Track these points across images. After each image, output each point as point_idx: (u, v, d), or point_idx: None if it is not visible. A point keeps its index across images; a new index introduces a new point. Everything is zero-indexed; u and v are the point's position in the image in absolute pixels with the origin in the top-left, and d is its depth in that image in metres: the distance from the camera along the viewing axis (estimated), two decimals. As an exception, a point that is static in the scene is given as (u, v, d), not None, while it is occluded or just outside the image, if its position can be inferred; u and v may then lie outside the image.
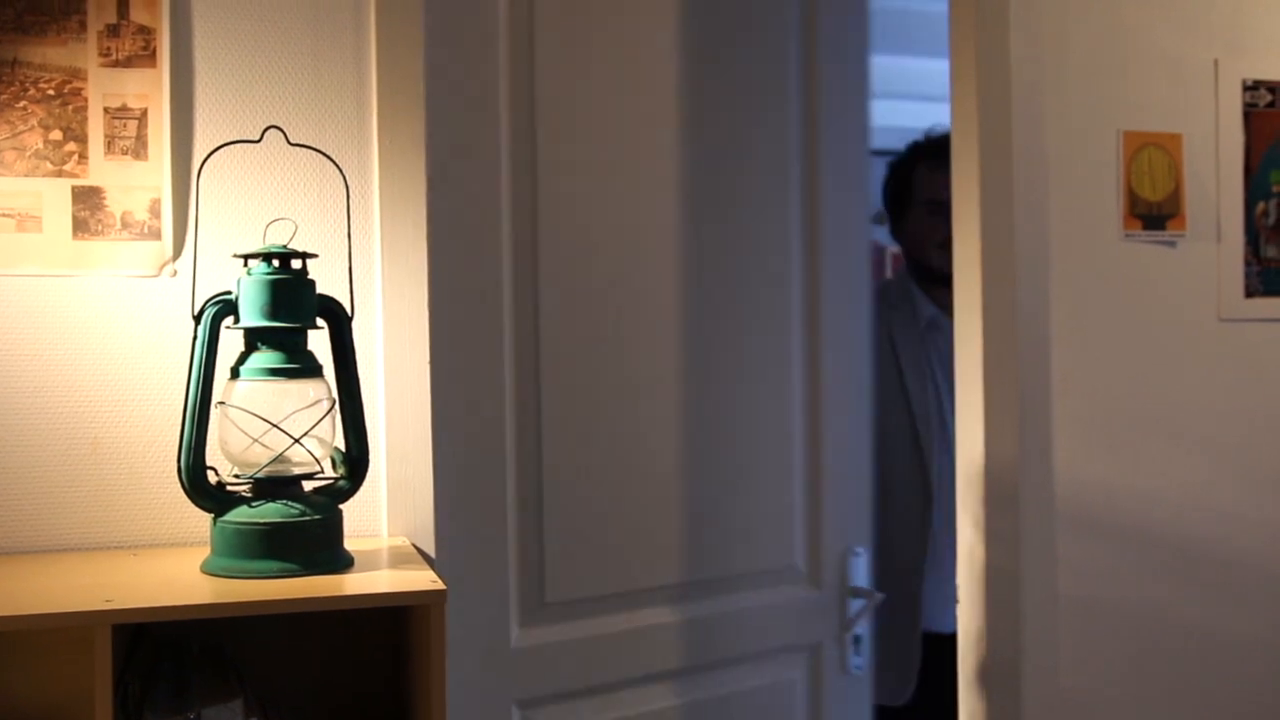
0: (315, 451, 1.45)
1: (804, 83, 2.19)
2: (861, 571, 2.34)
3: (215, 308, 1.44)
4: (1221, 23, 2.26)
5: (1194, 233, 2.24)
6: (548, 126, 1.95)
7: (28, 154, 1.59)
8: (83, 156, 1.61)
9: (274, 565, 1.39)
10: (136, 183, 1.62)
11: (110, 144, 1.61)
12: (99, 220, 1.61)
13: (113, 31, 1.62)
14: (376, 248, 1.72)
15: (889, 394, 2.71)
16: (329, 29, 1.71)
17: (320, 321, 1.49)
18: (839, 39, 2.19)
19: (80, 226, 1.60)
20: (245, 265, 1.46)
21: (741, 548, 2.20)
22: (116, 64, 1.62)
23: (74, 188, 1.60)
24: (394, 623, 1.59)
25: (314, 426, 1.44)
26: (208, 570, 1.42)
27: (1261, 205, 2.29)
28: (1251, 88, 2.28)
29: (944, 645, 2.40)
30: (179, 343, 1.62)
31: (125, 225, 1.62)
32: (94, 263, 1.61)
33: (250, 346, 1.45)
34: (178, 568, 1.48)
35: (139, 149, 1.62)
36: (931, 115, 5.15)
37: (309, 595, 1.34)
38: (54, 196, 1.60)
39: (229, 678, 1.48)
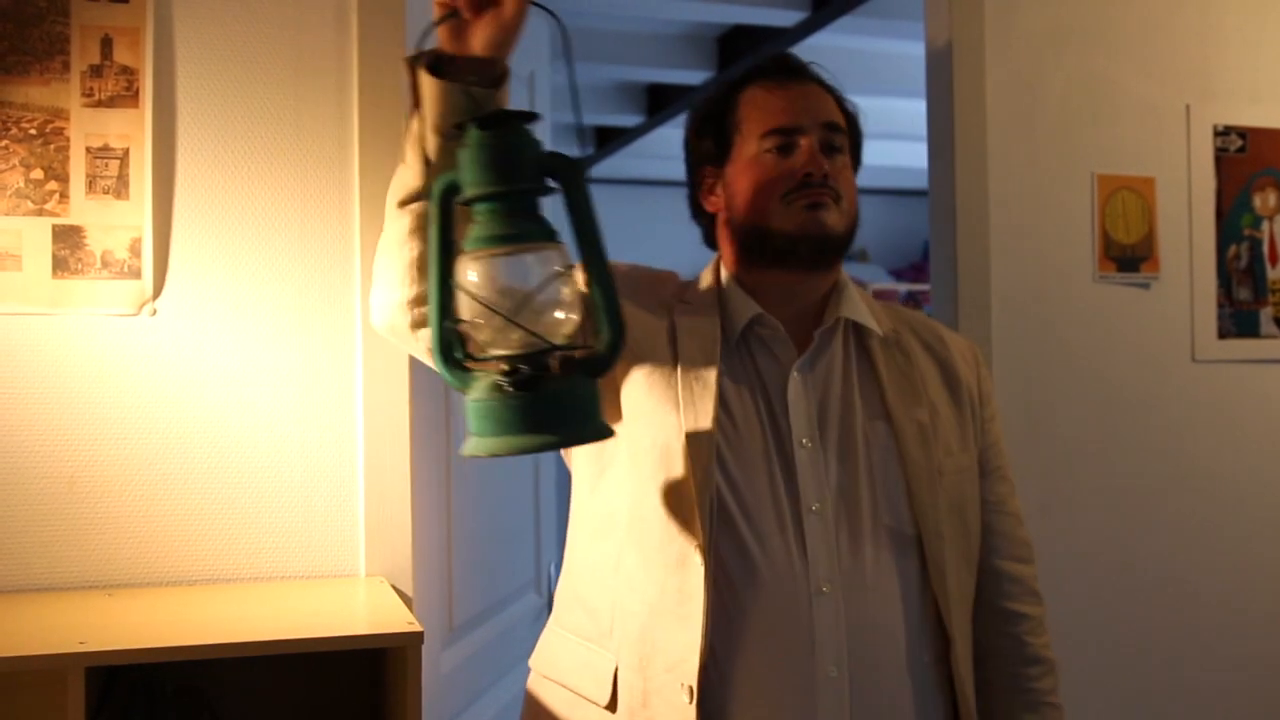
0: (562, 320, 1.25)
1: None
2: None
3: (443, 183, 1.26)
4: (1192, 69, 2.30)
5: (1167, 275, 2.27)
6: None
7: (8, 193, 1.59)
8: (64, 195, 1.61)
9: (535, 440, 1.24)
10: (117, 222, 1.62)
11: (91, 183, 1.62)
12: (79, 259, 1.61)
13: (96, 72, 1.63)
14: (356, 291, 1.72)
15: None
16: (311, 71, 1.72)
17: (551, 183, 1.26)
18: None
19: (60, 265, 1.61)
20: (460, 137, 1.24)
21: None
22: (99, 104, 1.63)
23: (54, 226, 1.61)
24: (371, 662, 1.59)
25: (558, 295, 1.24)
26: (469, 453, 1.25)
27: (1234, 248, 2.32)
28: (1223, 133, 2.31)
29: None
30: (158, 381, 1.62)
31: (105, 264, 1.62)
32: (73, 301, 1.61)
33: (479, 218, 1.25)
34: (153, 608, 1.47)
35: (120, 188, 1.63)
36: (896, 154, 5.24)
37: (285, 637, 1.34)
38: (34, 235, 1.60)
39: (204, 719, 1.47)
